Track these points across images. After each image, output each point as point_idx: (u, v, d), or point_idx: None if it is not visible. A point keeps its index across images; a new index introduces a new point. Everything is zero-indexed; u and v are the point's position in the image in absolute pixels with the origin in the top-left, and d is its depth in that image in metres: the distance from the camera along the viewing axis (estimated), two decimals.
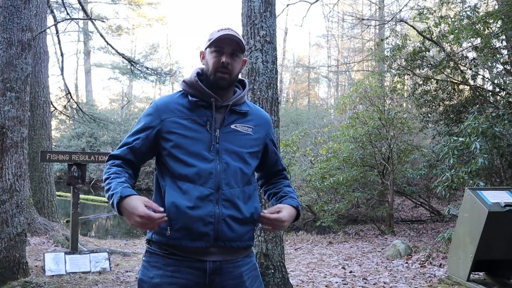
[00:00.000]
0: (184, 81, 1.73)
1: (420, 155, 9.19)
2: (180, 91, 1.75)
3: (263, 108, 4.20)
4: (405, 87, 10.69)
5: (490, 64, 7.87)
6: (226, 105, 1.68)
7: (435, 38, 7.80)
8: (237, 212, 1.62)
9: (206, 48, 1.72)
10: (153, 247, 1.63)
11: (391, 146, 9.01)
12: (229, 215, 1.60)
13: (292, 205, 1.75)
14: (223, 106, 1.68)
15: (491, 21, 6.88)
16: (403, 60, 8.41)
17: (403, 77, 8.88)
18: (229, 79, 1.67)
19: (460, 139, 5.97)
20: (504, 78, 7.46)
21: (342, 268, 5.92)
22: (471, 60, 7.85)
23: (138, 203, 1.48)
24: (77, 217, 5.50)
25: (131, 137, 1.69)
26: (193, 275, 1.58)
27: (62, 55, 9.46)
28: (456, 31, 7.06)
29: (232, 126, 1.68)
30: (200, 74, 1.73)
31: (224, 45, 1.66)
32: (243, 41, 1.69)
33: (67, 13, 11.91)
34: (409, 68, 8.29)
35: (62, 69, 9.58)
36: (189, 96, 1.68)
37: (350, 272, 5.63)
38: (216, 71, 1.65)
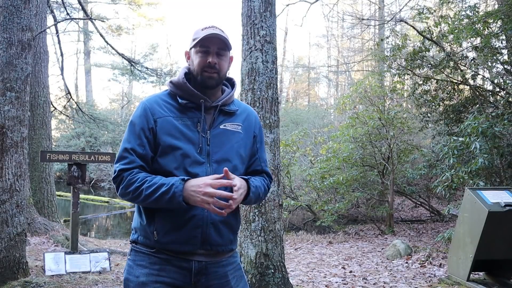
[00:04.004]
0: (171, 81, 1.70)
1: (420, 155, 9.19)
2: (166, 90, 1.71)
3: (263, 108, 4.20)
4: (405, 87, 10.70)
5: (490, 64, 7.87)
6: (215, 106, 1.67)
7: (435, 38, 7.79)
8: (227, 217, 1.63)
9: (191, 48, 1.69)
10: (139, 245, 1.63)
11: (391, 146, 9.01)
12: (217, 219, 1.60)
13: (244, 178, 1.64)
14: (212, 106, 1.66)
15: (491, 21, 6.88)
16: (403, 60, 8.40)
17: (403, 77, 8.88)
18: (217, 78, 1.66)
19: (460, 139, 5.97)
20: (504, 78, 7.46)
21: (342, 268, 5.92)
22: (471, 60, 7.85)
23: (204, 178, 1.52)
24: (77, 217, 5.50)
25: (134, 143, 1.59)
26: (179, 274, 1.59)
27: (62, 55, 9.46)
28: (456, 31, 7.06)
29: (221, 127, 1.67)
30: (187, 74, 1.70)
31: (210, 44, 1.63)
32: (228, 39, 1.66)
33: (67, 13, 11.91)
34: (409, 68, 8.29)
35: (62, 69, 9.58)
36: (178, 98, 1.65)
37: (350, 272, 5.63)
38: (203, 70, 1.63)
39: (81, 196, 7.54)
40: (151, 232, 1.57)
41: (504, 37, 7.24)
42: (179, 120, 1.61)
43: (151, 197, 1.51)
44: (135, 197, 1.54)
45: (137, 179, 1.54)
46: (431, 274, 5.26)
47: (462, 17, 7.30)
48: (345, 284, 4.97)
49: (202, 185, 1.49)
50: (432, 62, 8.13)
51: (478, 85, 8.55)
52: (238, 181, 1.56)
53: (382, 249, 7.24)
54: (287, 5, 20.62)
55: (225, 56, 1.68)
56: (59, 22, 10.31)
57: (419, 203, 10.76)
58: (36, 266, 5.03)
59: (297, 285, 4.76)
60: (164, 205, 1.52)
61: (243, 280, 1.74)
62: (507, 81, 7.28)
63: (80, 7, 10.56)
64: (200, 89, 1.65)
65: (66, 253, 5.10)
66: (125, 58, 11.00)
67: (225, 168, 1.54)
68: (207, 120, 1.65)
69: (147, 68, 12.89)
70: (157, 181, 1.52)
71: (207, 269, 1.62)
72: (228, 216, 1.64)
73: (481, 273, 4.76)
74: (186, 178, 1.53)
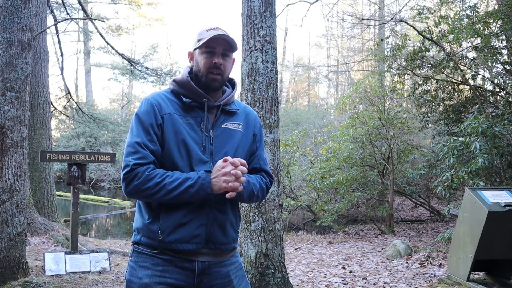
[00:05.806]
0: (174, 80, 1.70)
1: (420, 155, 9.20)
2: (169, 88, 1.71)
3: (263, 108, 4.20)
4: (405, 87, 10.70)
5: (490, 64, 7.87)
6: (217, 105, 1.68)
7: (435, 38, 7.79)
8: (229, 215, 1.65)
9: (195, 49, 1.69)
10: (141, 247, 1.62)
11: (391, 146, 9.01)
12: (221, 218, 1.62)
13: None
14: (214, 106, 1.68)
15: (491, 21, 6.88)
16: (403, 60, 8.41)
17: (403, 77, 8.88)
18: (221, 79, 1.67)
19: (460, 139, 5.97)
20: (504, 78, 7.46)
21: (342, 268, 5.92)
22: (471, 60, 7.85)
23: (218, 163, 1.57)
24: (77, 217, 5.50)
25: (145, 138, 1.57)
26: (182, 275, 1.59)
27: (62, 55, 9.46)
28: (456, 31, 7.06)
29: (223, 126, 1.68)
30: (190, 73, 1.71)
31: (216, 45, 1.64)
32: (235, 40, 1.66)
33: (67, 13, 11.91)
34: (409, 68, 8.29)
35: (62, 69, 9.57)
36: (181, 97, 1.66)
37: (350, 272, 5.63)
38: (208, 72, 1.64)
39: (81, 196, 7.55)
40: (156, 231, 1.57)
41: (504, 37, 7.24)
42: (183, 119, 1.63)
43: (174, 191, 1.51)
44: (154, 193, 1.52)
45: (156, 175, 1.53)
46: (431, 274, 5.26)
47: (462, 17, 7.30)
48: (345, 284, 4.97)
49: (219, 168, 1.56)
50: (432, 62, 8.13)
51: (478, 85, 8.54)
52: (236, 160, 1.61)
53: (382, 249, 7.24)
54: (287, 5, 20.68)
55: (229, 57, 1.69)
56: (59, 22, 10.30)
57: (419, 203, 10.76)
58: (36, 266, 5.03)
59: (297, 285, 4.76)
60: (187, 199, 1.53)
61: (245, 279, 1.75)
62: (507, 81, 7.28)
63: (80, 7, 10.56)
64: (202, 90, 1.66)
65: (66, 253, 5.09)
66: (125, 58, 10.99)
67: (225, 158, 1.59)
68: (210, 120, 1.67)
69: (147, 68, 12.89)
70: (180, 176, 1.54)
71: (210, 269, 1.62)
72: (230, 214, 1.66)
73: (481, 273, 4.76)
74: (207, 170, 1.58)
